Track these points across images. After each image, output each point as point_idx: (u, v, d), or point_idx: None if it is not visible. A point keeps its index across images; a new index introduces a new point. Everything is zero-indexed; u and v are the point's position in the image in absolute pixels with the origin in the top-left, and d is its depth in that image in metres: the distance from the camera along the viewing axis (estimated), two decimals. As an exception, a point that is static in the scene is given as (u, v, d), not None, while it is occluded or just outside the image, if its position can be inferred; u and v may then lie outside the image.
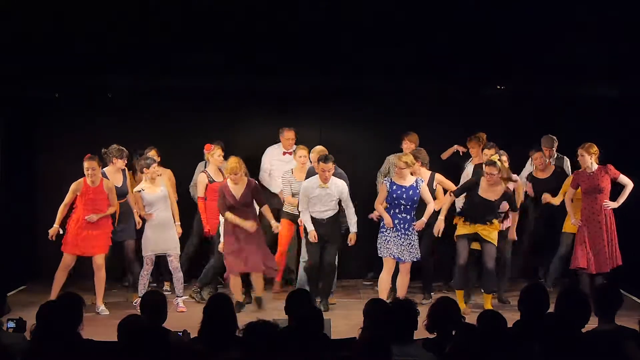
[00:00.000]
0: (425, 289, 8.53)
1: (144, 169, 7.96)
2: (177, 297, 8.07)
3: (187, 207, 8.63)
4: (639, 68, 8.10)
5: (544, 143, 8.85)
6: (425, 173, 8.24)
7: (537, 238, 8.88)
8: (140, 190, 7.96)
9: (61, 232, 7.85)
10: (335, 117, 9.57)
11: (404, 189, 7.77)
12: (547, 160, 8.77)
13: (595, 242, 7.91)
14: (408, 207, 7.79)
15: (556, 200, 8.39)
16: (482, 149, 8.47)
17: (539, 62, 8.17)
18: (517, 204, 8.05)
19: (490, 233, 7.86)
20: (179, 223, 8.17)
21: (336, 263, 8.14)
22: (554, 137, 8.86)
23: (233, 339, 4.46)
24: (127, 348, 4.13)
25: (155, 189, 7.96)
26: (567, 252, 8.24)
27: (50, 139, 9.49)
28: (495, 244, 7.89)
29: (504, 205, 7.99)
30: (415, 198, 7.78)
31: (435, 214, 8.00)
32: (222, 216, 7.93)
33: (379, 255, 7.92)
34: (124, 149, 8.25)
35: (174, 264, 8.03)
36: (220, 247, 8.01)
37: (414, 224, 7.81)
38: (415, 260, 7.85)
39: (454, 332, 4.60)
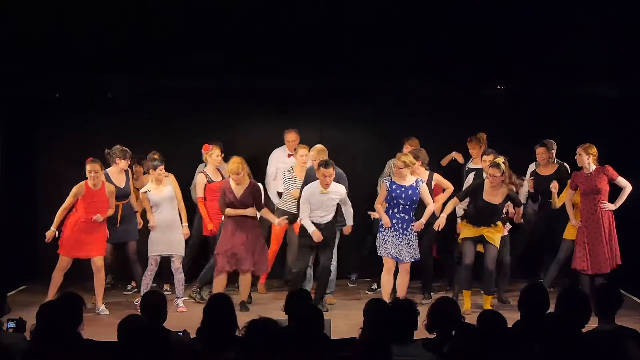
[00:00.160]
0: (425, 289, 8.54)
1: (151, 170, 7.98)
2: (177, 297, 8.08)
3: (187, 208, 8.61)
4: (639, 68, 8.09)
5: (537, 147, 8.86)
6: (424, 173, 8.24)
7: (537, 238, 8.87)
8: (146, 191, 7.99)
9: (57, 235, 7.84)
10: (335, 117, 9.58)
11: (403, 189, 7.77)
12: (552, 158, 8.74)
13: (594, 243, 7.91)
14: (407, 207, 7.79)
15: (557, 203, 8.36)
16: (482, 155, 8.45)
17: (539, 62, 8.17)
18: (520, 202, 8.07)
19: (494, 235, 7.88)
20: (187, 224, 8.18)
21: (331, 267, 8.14)
22: (553, 142, 8.84)
23: (233, 339, 4.46)
24: (127, 348, 4.13)
25: (162, 189, 7.98)
26: (565, 259, 8.21)
27: (50, 139, 9.49)
28: (498, 246, 7.91)
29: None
30: (414, 198, 7.78)
31: (434, 214, 8.02)
32: (222, 213, 7.95)
33: (378, 254, 7.94)
34: (127, 149, 8.26)
35: (176, 265, 8.04)
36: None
37: (412, 224, 7.82)
38: (413, 260, 7.86)
39: (453, 332, 4.60)
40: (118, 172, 8.28)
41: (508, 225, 8.23)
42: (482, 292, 8.05)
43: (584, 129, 8.86)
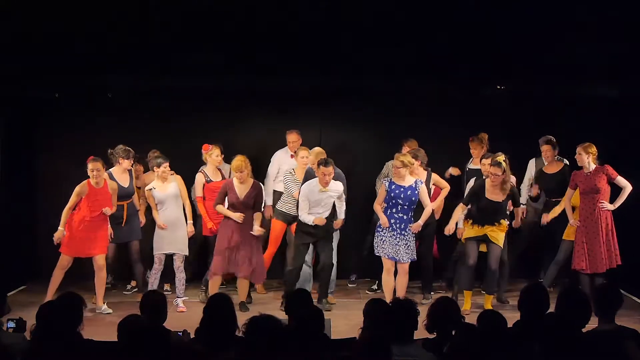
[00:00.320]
0: (425, 289, 8.54)
1: (155, 167, 8.00)
2: (178, 297, 8.09)
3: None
4: (639, 68, 8.09)
5: (543, 142, 8.87)
6: (423, 173, 8.25)
7: (537, 238, 8.87)
8: (151, 189, 8.03)
9: (64, 234, 7.83)
10: (335, 117, 9.58)
11: (402, 189, 7.77)
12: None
13: (592, 243, 7.91)
14: (405, 207, 7.79)
15: (557, 209, 8.35)
16: (481, 159, 8.45)
17: (539, 62, 8.16)
18: (519, 202, 8.06)
19: (498, 234, 7.88)
20: (192, 222, 8.18)
21: (333, 261, 8.15)
22: (551, 137, 8.84)
23: (233, 339, 4.46)
24: (127, 348, 4.13)
25: (166, 187, 8.01)
26: (564, 260, 8.21)
27: (50, 139, 9.49)
28: (501, 245, 7.91)
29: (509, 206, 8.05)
30: (413, 198, 7.78)
31: (433, 216, 8.03)
32: (214, 207, 7.97)
33: (375, 254, 7.94)
34: (130, 149, 8.26)
35: (177, 263, 8.07)
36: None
37: (410, 225, 7.82)
38: (410, 260, 7.85)
39: (453, 332, 4.60)
40: (121, 171, 8.29)
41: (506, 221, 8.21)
42: (484, 291, 8.06)
43: (584, 129, 8.86)
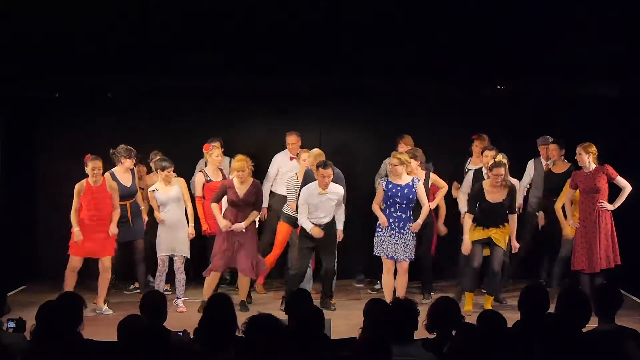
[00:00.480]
0: (425, 289, 8.54)
1: (159, 170, 8.01)
2: (178, 297, 8.09)
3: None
4: (639, 68, 8.09)
5: (541, 142, 8.87)
6: (421, 173, 8.24)
7: (540, 239, 8.88)
8: (154, 190, 8.04)
9: (75, 229, 7.80)
10: (335, 117, 9.57)
11: (399, 187, 7.77)
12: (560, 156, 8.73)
13: (591, 242, 7.91)
14: (404, 205, 7.79)
15: (557, 206, 8.36)
16: (482, 151, 8.47)
17: (539, 62, 8.17)
18: (515, 207, 8.04)
19: (501, 237, 7.88)
20: (193, 224, 8.17)
21: (335, 268, 8.14)
22: (549, 137, 8.84)
23: (233, 339, 4.46)
24: (127, 348, 4.13)
25: (169, 189, 8.02)
26: (567, 254, 8.23)
27: (50, 139, 9.49)
28: (505, 247, 7.91)
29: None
30: (410, 197, 7.78)
31: (431, 214, 8.03)
32: (210, 204, 8.00)
33: (374, 254, 7.94)
34: (132, 148, 8.26)
35: (177, 264, 8.08)
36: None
37: (410, 224, 7.82)
38: (408, 260, 7.85)
39: (454, 332, 4.60)
40: (124, 171, 8.28)
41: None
42: (485, 292, 8.06)
43: (584, 129, 8.86)
